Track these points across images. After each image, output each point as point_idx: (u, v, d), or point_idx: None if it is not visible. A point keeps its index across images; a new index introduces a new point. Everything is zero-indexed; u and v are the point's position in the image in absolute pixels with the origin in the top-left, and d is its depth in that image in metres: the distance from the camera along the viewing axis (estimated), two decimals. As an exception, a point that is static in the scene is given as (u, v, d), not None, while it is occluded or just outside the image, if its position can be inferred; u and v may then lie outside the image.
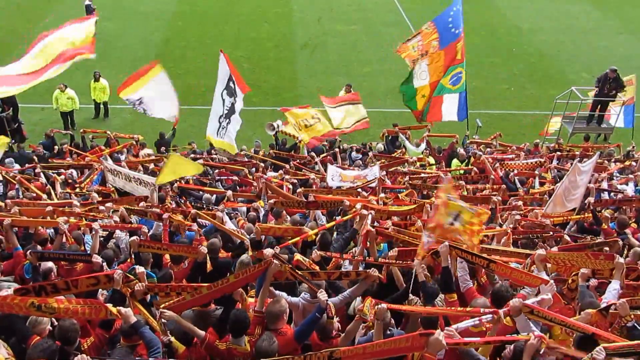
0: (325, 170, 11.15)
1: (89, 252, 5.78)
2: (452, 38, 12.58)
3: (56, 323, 4.13)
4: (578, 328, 3.70)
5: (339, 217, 7.34)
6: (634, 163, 11.54)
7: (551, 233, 7.19)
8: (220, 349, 4.09)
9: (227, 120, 10.60)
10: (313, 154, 12.37)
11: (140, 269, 4.62)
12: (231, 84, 10.69)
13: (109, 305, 3.85)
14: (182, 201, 8.75)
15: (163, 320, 4.07)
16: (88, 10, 20.44)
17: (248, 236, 6.48)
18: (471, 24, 23.59)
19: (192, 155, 11.99)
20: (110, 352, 4.07)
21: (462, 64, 12.78)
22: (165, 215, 6.53)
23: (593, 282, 5.06)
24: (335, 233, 6.64)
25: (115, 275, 4.15)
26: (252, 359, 3.98)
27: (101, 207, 7.18)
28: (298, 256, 5.10)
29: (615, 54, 21.21)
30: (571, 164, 9.61)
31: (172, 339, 4.08)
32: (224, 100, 10.58)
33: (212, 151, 12.52)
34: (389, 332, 4.06)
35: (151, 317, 4.09)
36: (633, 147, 13.34)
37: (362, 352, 3.39)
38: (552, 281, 4.51)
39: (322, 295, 4.13)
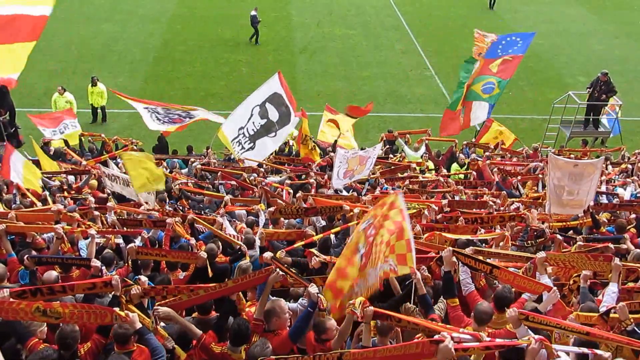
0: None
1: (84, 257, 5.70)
2: (493, 55, 12.96)
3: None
4: (574, 329, 3.73)
5: (340, 222, 7.30)
6: (629, 166, 11.59)
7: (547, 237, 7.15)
8: (214, 351, 4.06)
9: (252, 143, 10.72)
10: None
11: (142, 277, 4.60)
12: (268, 106, 10.78)
13: (116, 309, 3.82)
14: (182, 207, 8.70)
15: (156, 314, 4.04)
16: (253, 21, 20.73)
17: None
18: (469, 28, 23.74)
19: (191, 159, 11.95)
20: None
21: (496, 77, 13.03)
22: (169, 220, 6.45)
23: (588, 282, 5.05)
24: (334, 238, 6.61)
25: (113, 281, 4.12)
26: None
27: (95, 213, 7.09)
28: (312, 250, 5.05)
29: (611, 57, 21.32)
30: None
31: (175, 345, 4.06)
32: (252, 115, 10.67)
33: (210, 151, 12.40)
34: (391, 342, 4.04)
35: (148, 319, 4.06)
36: (624, 151, 13.56)
37: (372, 356, 3.38)
38: (554, 288, 4.49)
39: (313, 288, 4.12)
